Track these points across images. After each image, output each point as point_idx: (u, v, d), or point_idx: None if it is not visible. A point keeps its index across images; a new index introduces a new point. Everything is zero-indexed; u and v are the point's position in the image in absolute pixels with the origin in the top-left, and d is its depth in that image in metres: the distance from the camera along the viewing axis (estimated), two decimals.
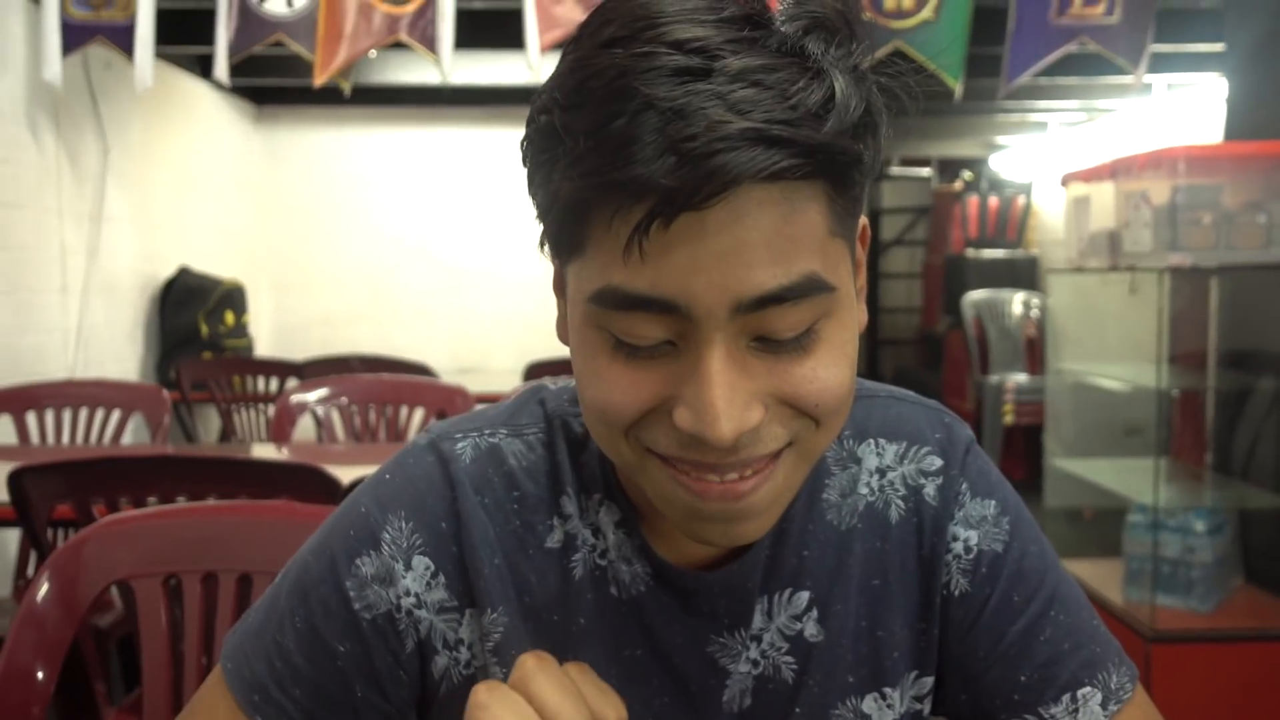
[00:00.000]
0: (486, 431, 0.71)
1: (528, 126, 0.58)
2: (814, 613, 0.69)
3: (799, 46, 0.53)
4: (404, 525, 0.68)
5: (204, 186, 4.93)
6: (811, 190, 0.54)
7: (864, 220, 0.63)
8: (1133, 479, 2.86)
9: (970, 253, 6.36)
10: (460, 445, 0.70)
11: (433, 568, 0.68)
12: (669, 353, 0.56)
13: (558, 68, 0.57)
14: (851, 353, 0.58)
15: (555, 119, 0.54)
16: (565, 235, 0.57)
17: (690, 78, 0.51)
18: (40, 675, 1.04)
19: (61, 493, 1.70)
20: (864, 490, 0.71)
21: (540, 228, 0.60)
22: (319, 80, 3.10)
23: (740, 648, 0.68)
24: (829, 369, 0.57)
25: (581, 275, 0.57)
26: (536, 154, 0.57)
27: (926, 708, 0.73)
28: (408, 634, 0.68)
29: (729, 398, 0.54)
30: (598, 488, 0.69)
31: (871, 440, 0.72)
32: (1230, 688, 2.57)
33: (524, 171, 0.59)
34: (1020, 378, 5.61)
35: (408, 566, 0.67)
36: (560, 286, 0.63)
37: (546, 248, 0.61)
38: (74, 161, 3.76)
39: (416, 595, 0.67)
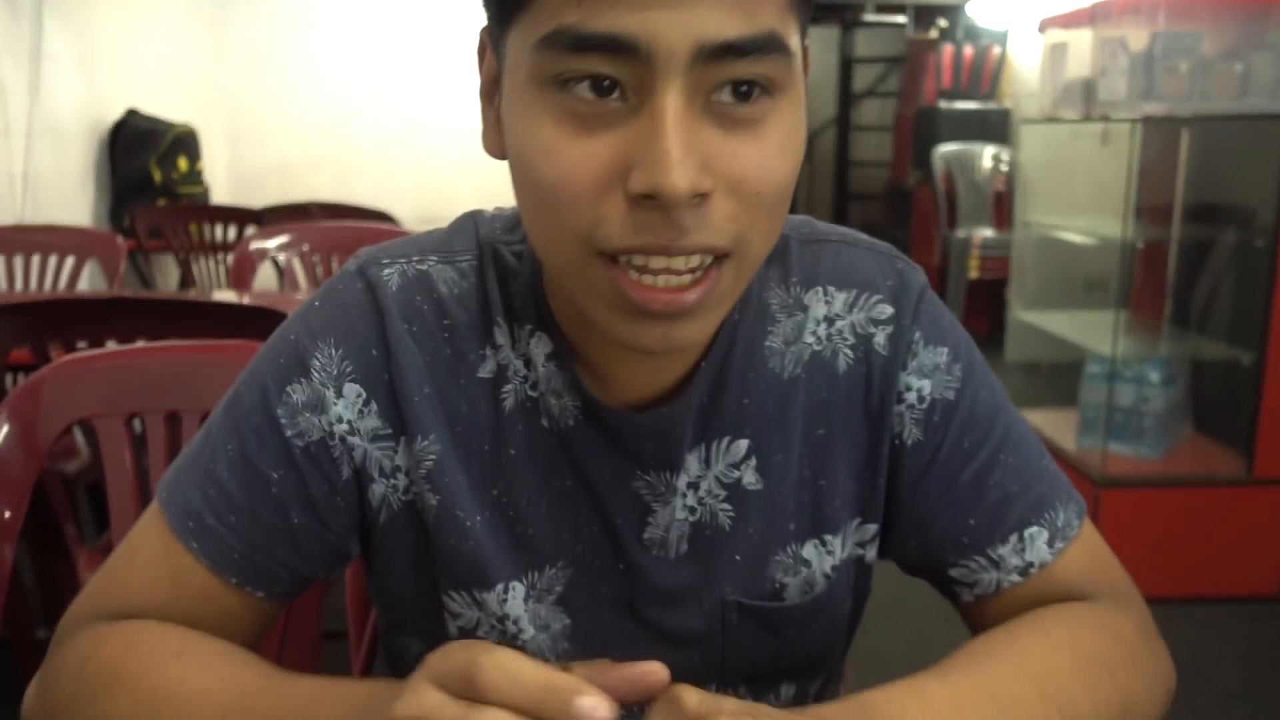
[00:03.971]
0: (415, 258, 0.68)
1: None
2: (753, 461, 0.69)
3: None
4: (333, 352, 0.66)
5: (150, 25, 4.68)
6: None
7: (808, 43, 0.61)
8: (1092, 331, 2.91)
9: (942, 105, 6.25)
10: (387, 272, 0.68)
11: (364, 395, 0.66)
12: (620, 116, 0.52)
13: None
14: (798, 146, 0.56)
15: None
16: None
17: None
18: (6, 515, 1.03)
19: (17, 336, 1.66)
20: (810, 339, 0.70)
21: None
22: None
23: (664, 489, 0.68)
24: (778, 157, 0.55)
25: (526, 31, 0.53)
26: None
27: (870, 553, 0.73)
28: (342, 461, 0.67)
29: (685, 147, 0.51)
30: (530, 319, 0.67)
31: (820, 288, 0.70)
32: (1175, 530, 2.69)
33: None
34: (987, 232, 5.62)
35: (339, 394, 0.66)
36: (490, 90, 0.60)
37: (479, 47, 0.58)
38: None
39: (349, 423, 0.66)
